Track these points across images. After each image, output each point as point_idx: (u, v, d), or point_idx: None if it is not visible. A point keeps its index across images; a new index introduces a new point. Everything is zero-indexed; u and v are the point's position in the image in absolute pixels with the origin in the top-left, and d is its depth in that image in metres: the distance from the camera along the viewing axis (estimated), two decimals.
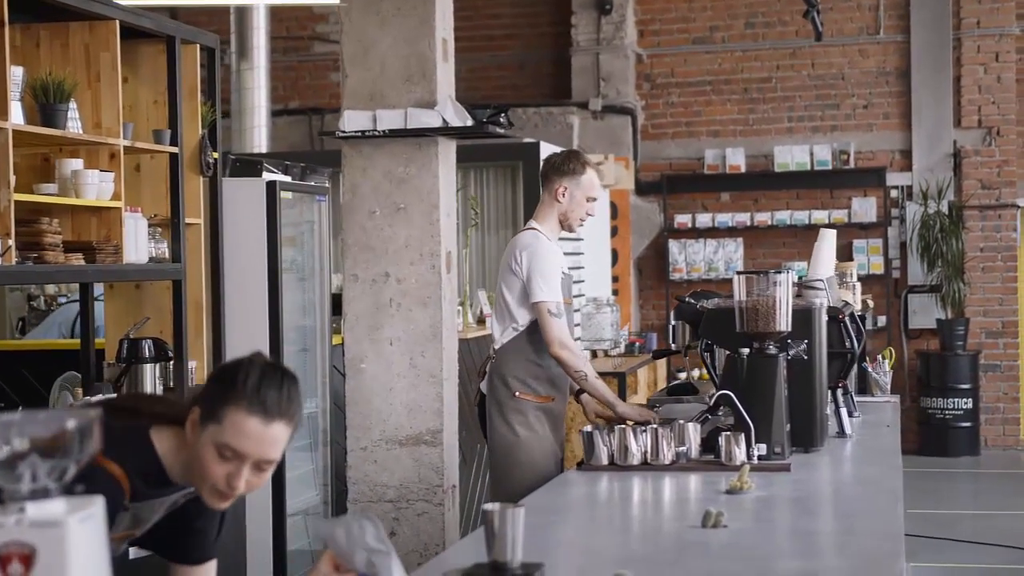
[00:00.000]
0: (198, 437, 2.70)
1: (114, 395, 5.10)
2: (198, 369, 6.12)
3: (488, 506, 2.81)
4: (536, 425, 5.39)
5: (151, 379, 5.64)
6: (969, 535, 9.27)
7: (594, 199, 5.60)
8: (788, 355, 4.61)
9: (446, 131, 6.01)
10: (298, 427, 2.78)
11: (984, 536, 9.21)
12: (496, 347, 5.52)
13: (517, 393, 5.43)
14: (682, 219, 13.50)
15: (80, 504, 1.82)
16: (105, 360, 5.89)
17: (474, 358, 7.85)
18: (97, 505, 1.84)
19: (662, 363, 11.70)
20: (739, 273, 4.63)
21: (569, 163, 5.56)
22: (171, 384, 5.84)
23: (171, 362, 5.81)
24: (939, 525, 9.60)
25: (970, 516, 10.28)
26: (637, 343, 11.39)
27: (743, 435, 4.38)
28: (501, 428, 5.44)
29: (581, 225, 5.69)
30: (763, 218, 13.33)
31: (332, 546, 2.66)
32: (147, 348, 5.64)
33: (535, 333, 5.40)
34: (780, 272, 4.59)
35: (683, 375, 12.62)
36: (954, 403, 12.77)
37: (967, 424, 12.82)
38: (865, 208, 13.19)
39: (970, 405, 12.80)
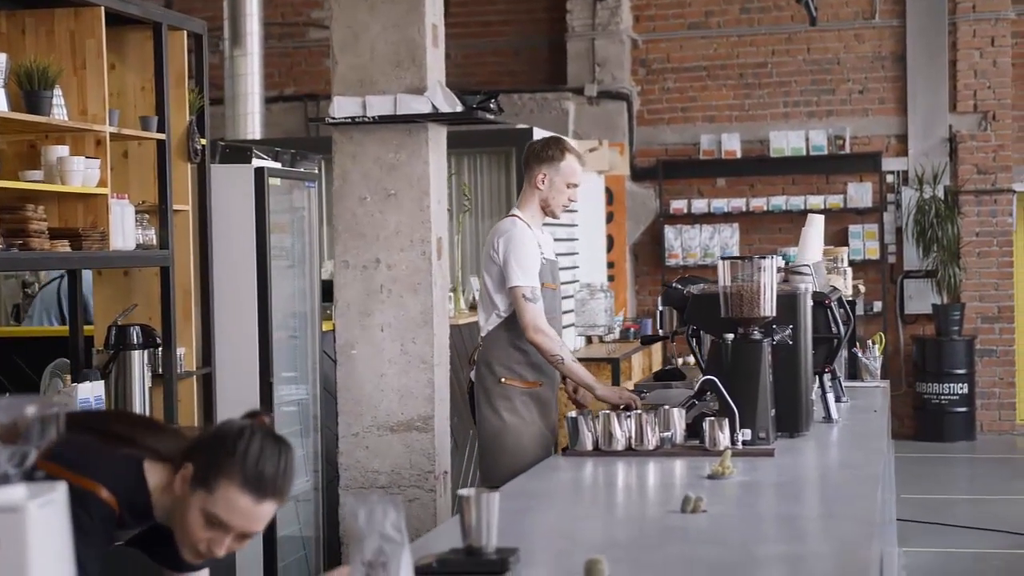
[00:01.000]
0: (187, 495, 2.70)
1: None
2: (187, 356, 6.12)
3: (463, 492, 2.82)
4: (523, 411, 5.41)
5: (139, 366, 5.64)
6: (964, 520, 9.28)
7: (574, 185, 5.60)
8: (773, 340, 4.62)
9: (436, 117, 6.01)
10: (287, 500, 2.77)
11: (979, 521, 9.22)
12: (482, 334, 5.56)
13: (503, 379, 5.46)
14: (678, 205, 13.49)
15: (41, 490, 1.82)
16: (94, 347, 5.89)
17: (466, 344, 7.85)
18: (59, 491, 1.84)
19: (657, 349, 11.71)
20: (724, 258, 4.64)
21: (548, 150, 5.58)
22: (160, 371, 5.83)
23: (159, 349, 5.81)
24: (934, 510, 9.60)
25: (965, 501, 10.29)
26: (632, 329, 11.39)
27: (727, 420, 4.38)
28: (488, 414, 5.47)
29: (565, 211, 5.69)
30: (759, 203, 13.32)
31: (348, 522, 2.66)
32: (135, 335, 5.63)
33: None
34: (764, 258, 4.59)
35: (679, 361, 12.64)
36: (950, 388, 12.78)
37: (963, 409, 12.82)
38: (861, 193, 13.18)
39: (966, 390, 12.81)
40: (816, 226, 5.77)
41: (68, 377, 5.68)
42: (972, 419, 12.92)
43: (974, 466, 12.15)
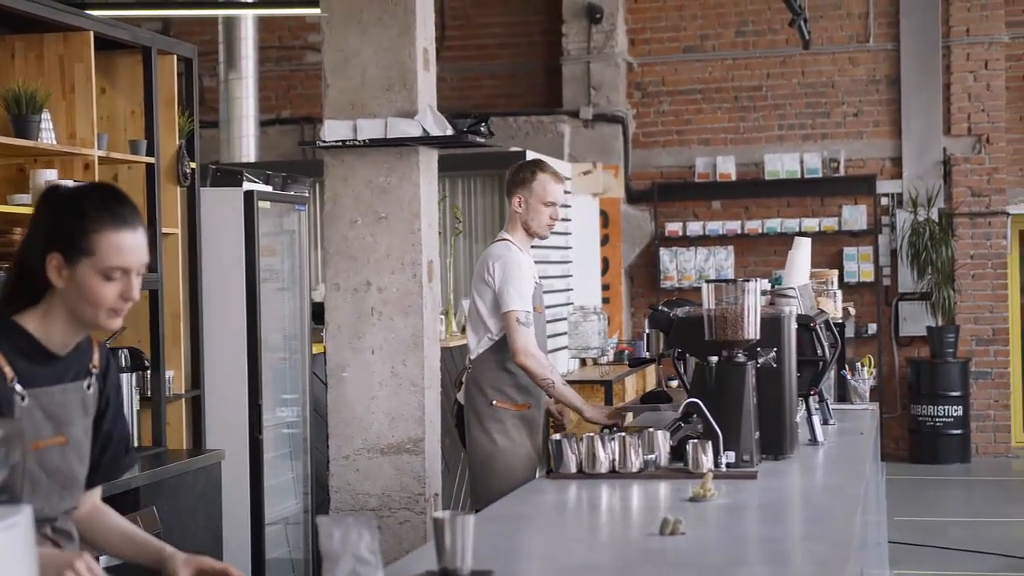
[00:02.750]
0: (71, 276, 2.78)
1: None
2: (175, 378, 6.14)
3: (437, 514, 2.83)
4: (514, 433, 5.44)
5: (128, 389, 5.65)
6: (959, 543, 9.28)
7: (552, 203, 5.65)
8: (757, 363, 4.62)
9: (427, 140, 6.03)
10: None
11: (974, 544, 9.22)
12: (472, 357, 5.60)
13: (494, 402, 5.49)
14: (673, 227, 13.52)
15: (4, 513, 1.83)
16: None
17: (457, 366, 7.86)
18: (24, 514, 1.86)
19: (651, 371, 11.71)
20: (708, 281, 4.65)
21: (519, 173, 5.69)
22: (148, 394, 5.85)
23: (148, 372, 5.83)
24: (929, 532, 9.60)
25: (960, 523, 10.28)
26: (627, 351, 11.40)
27: (710, 443, 4.39)
28: (479, 437, 5.49)
29: (550, 229, 5.72)
30: (754, 226, 13.34)
31: (323, 543, 2.68)
32: (124, 357, 5.65)
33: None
34: (748, 280, 4.60)
35: (674, 383, 12.63)
36: (944, 410, 12.78)
37: (958, 431, 12.82)
38: (855, 216, 13.20)
39: (960, 412, 12.81)
40: (803, 249, 5.79)
41: None
42: (967, 441, 12.92)
43: (969, 488, 12.15)
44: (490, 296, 5.49)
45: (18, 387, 2.78)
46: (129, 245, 2.80)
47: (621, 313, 13.22)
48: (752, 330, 4.56)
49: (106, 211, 2.78)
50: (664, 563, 3.19)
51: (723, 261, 13.41)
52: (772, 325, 4.72)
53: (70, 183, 2.92)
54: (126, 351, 5.66)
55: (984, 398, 13.14)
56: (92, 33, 5.46)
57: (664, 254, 13.49)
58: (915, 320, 13.13)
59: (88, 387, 2.94)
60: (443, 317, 7.97)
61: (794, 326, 4.89)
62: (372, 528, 2.68)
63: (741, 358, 4.59)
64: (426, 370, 6.06)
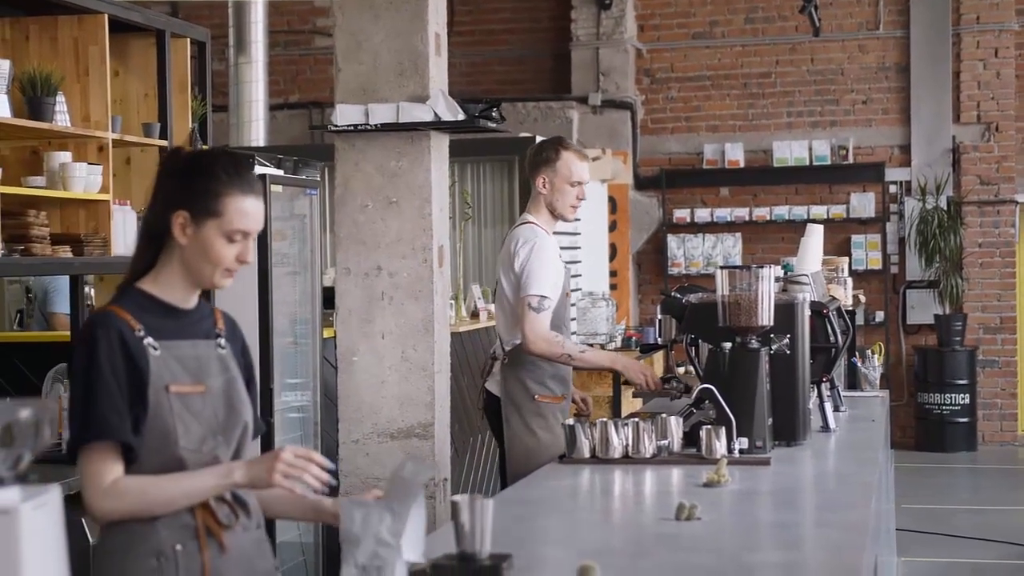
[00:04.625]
0: (195, 235, 2.93)
1: None
2: None
3: (456, 498, 2.83)
4: (555, 427, 5.30)
5: None
6: (965, 530, 9.28)
7: (578, 183, 5.51)
8: (770, 349, 4.62)
9: (438, 125, 6.03)
10: None
11: (980, 531, 9.22)
12: (507, 348, 5.43)
13: (537, 396, 5.37)
14: (681, 214, 13.51)
15: (34, 492, 1.84)
16: None
17: (467, 352, 7.87)
18: (52, 493, 1.86)
19: (660, 357, 11.71)
20: (722, 267, 4.64)
21: (543, 152, 5.53)
22: None
23: None
24: (935, 520, 9.61)
25: (966, 511, 10.29)
26: (635, 337, 11.39)
27: (724, 429, 4.39)
28: (521, 432, 5.35)
29: (575, 211, 5.58)
30: (762, 213, 13.34)
31: (344, 525, 2.70)
32: None
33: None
34: (762, 267, 4.60)
35: (681, 369, 12.64)
36: (951, 398, 12.78)
37: (964, 420, 12.83)
38: (864, 203, 13.20)
39: (967, 400, 12.81)
40: (815, 236, 5.79)
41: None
42: (973, 429, 12.93)
43: (975, 476, 12.16)
44: (516, 282, 5.38)
45: (148, 339, 2.92)
46: (253, 210, 2.96)
47: (628, 299, 13.22)
48: (766, 316, 4.56)
49: (236, 176, 2.95)
50: (681, 548, 3.20)
51: (731, 248, 13.41)
52: (786, 311, 4.72)
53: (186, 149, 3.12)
54: None
55: (991, 386, 13.15)
56: (107, 16, 5.45)
57: (672, 241, 13.49)
58: (923, 308, 13.13)
59: (220, 347, 3.07)
60: (452, 303, 7.97)
61: (807, 313, 4.89)
62: (393, 512, 2.69)
63: (755, 344, 4.58)
64: (436, 355, 6.06)
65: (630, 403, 9.09)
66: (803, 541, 3.36)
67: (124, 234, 5.52)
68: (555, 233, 5.70)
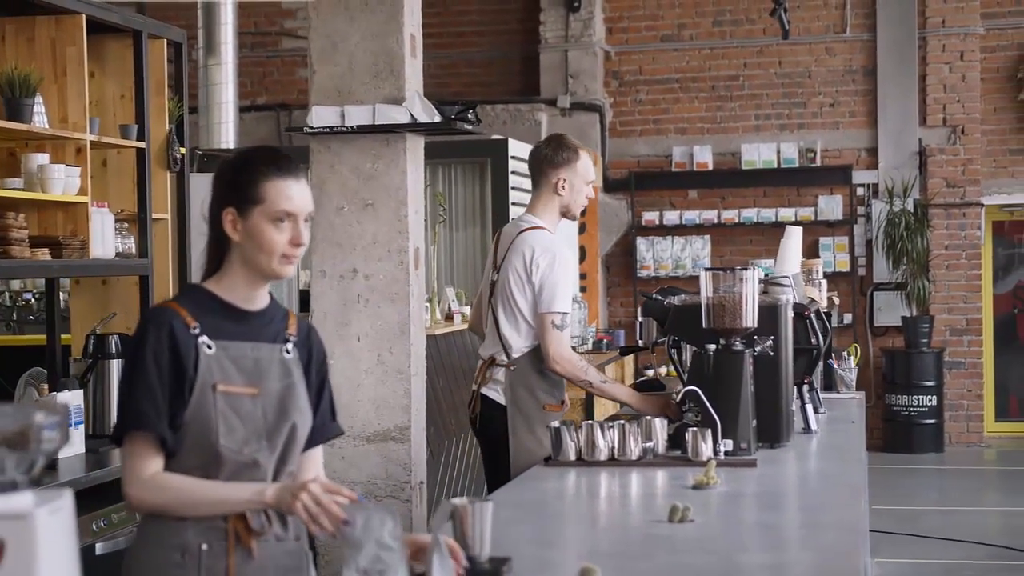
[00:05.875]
0: (245, 228, 2.98)
1: None
2: None
3: (457, 501, 2.82)
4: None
5: (117, 375, 5.61)
6: (933, 531, 9.34)
7: (592, 181, 5.39)
8: (754, 351, 4.62)
9: (414, 127, 6.02)
10: None
11: (948, 532, 9.28)
12: (514, 355, 5.24)
13: (546, 406, 5.23)
14: (650, 216, 13.54)
15: (48, 497, 1.82)
16: (71, 356, 5.86)
17: (441, 354, 7.85)
18: (65, 498, 1.84)
19: (630, 360, 11.74)
20: (706, 269, 4.65)
21: (563, 152, 5.31)
22: None
23: None
24: (903, 521, 9.66)
25: (934, 512, 10.35)
26: (605, 340, 11.41)
27: (709, 431, 4.39)
28: (527, 440, 5.19)
29: (582, 209, 5.47)
30: (730, 216, 13.38)
31: (347, 528, 2.69)
32: (114, 344, 5.60)
33: None
34: (747, 269, 4.60)
35: (650, 372, 12.66)
36: (919, 400, 12.86)
37: (931, 421, 12.91)
38: (831, 206, 13.26)
39: (934, 402, 12.89)
40: (794, 238, 5.80)
41: (45, 387, 5.64)
42: (941, 431, 13.01)
43: (943, 477, 12.23)
44: (531, 293, 5.17)
45: (203, 338, 2.96)
46: (295, 191, 3.00)
47: (598, 302, 13.24)
48: (750, 318, 4.57)
49: (271, 163, 3.00)
50: (678, 549, 3.19)
51: (700, 251, 13.44)
52: (769, 313, 4.73)
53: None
54: (116, 338, 5.61)
55: (957, 388, 13.23)
56: (84, 16, 5.40)
57: (641, 243, 13.51)
58: (890, 310, 13.20)
59: (287, 352, 3.07)
60: (427, 305, 7.95)
61: (791, 314, 4.90)
62: (394, 515, 2.68)
63: (739, 346, 4.59)
64: (412, 357, 6.05)
65: (603, 405, 9.10)
66: (799, 543, 3.36)
67: (102, 237, 5.47)
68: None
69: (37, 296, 9.49)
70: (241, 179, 3.00)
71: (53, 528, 1.80)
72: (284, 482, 2.98)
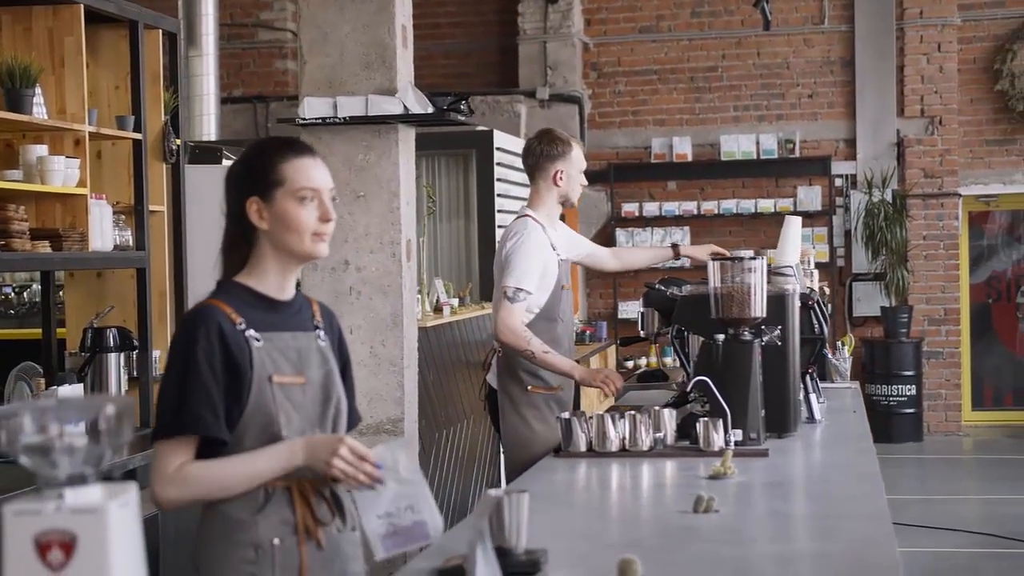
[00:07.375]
0: (272, 212, 2.98)
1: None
2: (162, 358, 6.05)
3: (493, 492, 2.80)
4: (550, 417, 5.29)
5: (115, 368, 5.57)
6: (913, 519, 9.37)
7: (584, 169, 5.64)
8: (763, 341, 4.62)
9: (407, 118, 5.99)
10: None
11: (928, 520, 9.33)
12: (503, 340, 5.36)
13: (529, 387, 5.38)
14: (629, 208, 13.53)
15: (118, 490, 1.80)
16: (67, 350, 5.81)
17: (432, 347, 7.83)
18: (132, 492, 1.82)
19: (611, 351, 11.74)
20: (714, 259, 4.64)
21: (556, 146, 5.52)
22: (135, 374, 5.76)
23: (135, 351, 5.74)
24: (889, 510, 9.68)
25: (914, 501, 10.39)
26: (588, 332, 11.41)
27: (721, 421, 4.39)
28: (515, 423, 5.37)
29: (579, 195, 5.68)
30: (710, 207, 13.39)
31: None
32: (111, 337, 5.56)
33: (541, 323, 5.34)
34: (755, 258, 4.60)
35: (643, 361, 12.68)
36: (898, 390, 12.91)
37: (911, 410, 12.96)
38: (810, 197, 13.29)
39: (913, 392, 12.95)
40: (794, 227, 5.80)
41: (41, 381, 5.58)
42: (920, 420, 13.07)
43: (923, 467, 12.28)
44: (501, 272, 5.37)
45: (250, 332, 2.95)
46: (313, 168, 3.00)
47: (578, 294, 13.23)
48: (759, 308, 4.56)
49: (285, 145, 3.03)
50: (707, 540, 3.18)
51: (679, 242, 13.42)
52: (777, 303, 4.73)
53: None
54: (114, 331, 5.57)
55: (936, 377, 13.29)
56: (82, 6, 5.35)
57: (620, 234, 13.51)
58: (869, 300, 13.25)
59: (320, 339, 3.08)
60: (418, 297, 7.93)
61: (797, 304, 4.90)
62: (404, 447, 2.71)
63: (747, 336, 4.58)
64: (405, 350, 6.04)
65: (590, 400, 9.09)
66: (829, 532, 3.35)
67: (101, 229, 5.42)
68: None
69: (16, 290, 9.41)
70: (258, 167, 3.00)
71: (123, 521, 1.78)
72: (310, 438, 2.92)
